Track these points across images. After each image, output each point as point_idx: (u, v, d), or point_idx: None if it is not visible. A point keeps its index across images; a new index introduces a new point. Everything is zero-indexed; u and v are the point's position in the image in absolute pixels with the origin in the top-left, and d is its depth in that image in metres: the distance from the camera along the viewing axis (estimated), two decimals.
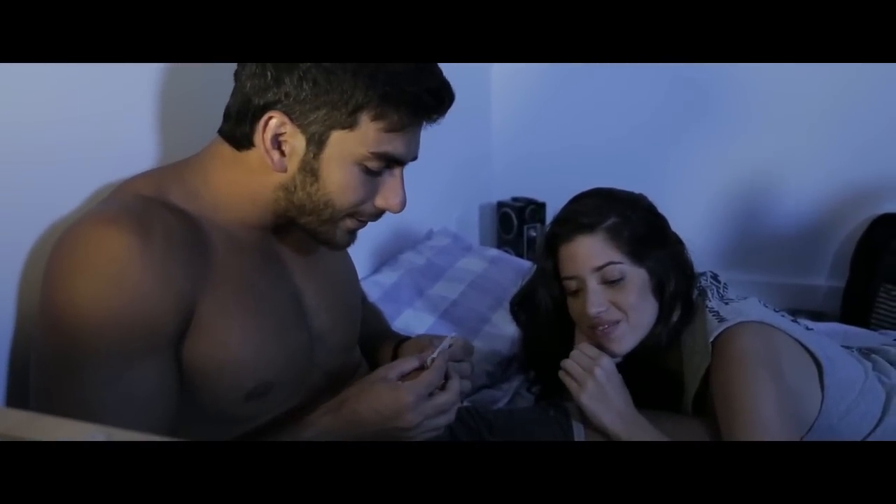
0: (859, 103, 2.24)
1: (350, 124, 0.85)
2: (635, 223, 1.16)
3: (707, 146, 2.43)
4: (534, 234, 2.48)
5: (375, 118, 0.85)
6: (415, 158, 0.93)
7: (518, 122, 2.63)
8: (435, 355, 0.93)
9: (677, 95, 2.43)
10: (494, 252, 2.11)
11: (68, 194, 0.96)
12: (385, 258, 1.90)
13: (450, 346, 0.97)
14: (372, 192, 0.91)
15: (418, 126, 0.90)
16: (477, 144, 2.60)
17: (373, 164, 0.88)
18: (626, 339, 1.15)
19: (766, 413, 1.02)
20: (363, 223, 0.95)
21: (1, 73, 0.85)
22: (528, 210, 2.49)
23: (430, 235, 2.11)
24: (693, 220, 2.27)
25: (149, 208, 0.85)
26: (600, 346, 1.16)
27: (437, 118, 0.91)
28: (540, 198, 2.52)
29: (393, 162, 0.90)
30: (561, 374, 1.13)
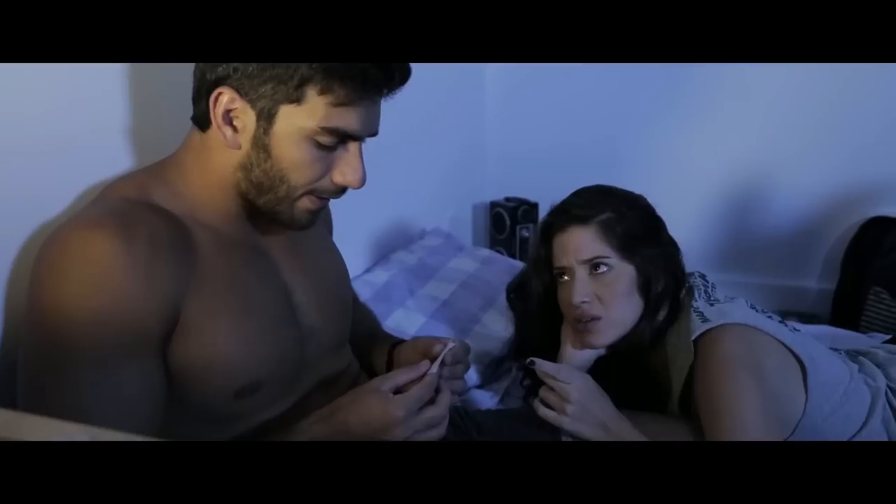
0: (852, 106, 2.25)
1: (297, 98, 0.84)
2: (630, 220, 1.17)
3: (699, 147, 2.44)
4: (526, 234, 2.49)
5: (322, 92, 0.84)
6: (373, 134, 0.92)
7: (511, 122, 2.63)
8: (434, 370, 0.94)
9: (670, 97, 2.44)
10: (486, 252, 2.11)
11: (55, 196, 0.96)
12: (377, 257, 1.90)
13: (450, 349, 0.98)
14: (327, 168, 0.90)
15: (370, 101, 0.89)
16: (470, 144, 2.61)
17: (324, 140, 0.87)
18: (607, 333, 1.17)
19: (748, 415, 1.02)
20: (324, 200, 0.94)
21: None
22: (521, 210, 2.50)
23: (422, 235, 2.12)
24: (685, 221, 2.27)
25: (133, 211, 0.85)
26: (581, 338, 1.18)
27: (390, 92, 0.90)
28: (532, 198, 2.52)
29: (346, 137, 0.89)
30: (537, 407, 1.11)
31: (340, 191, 0.93)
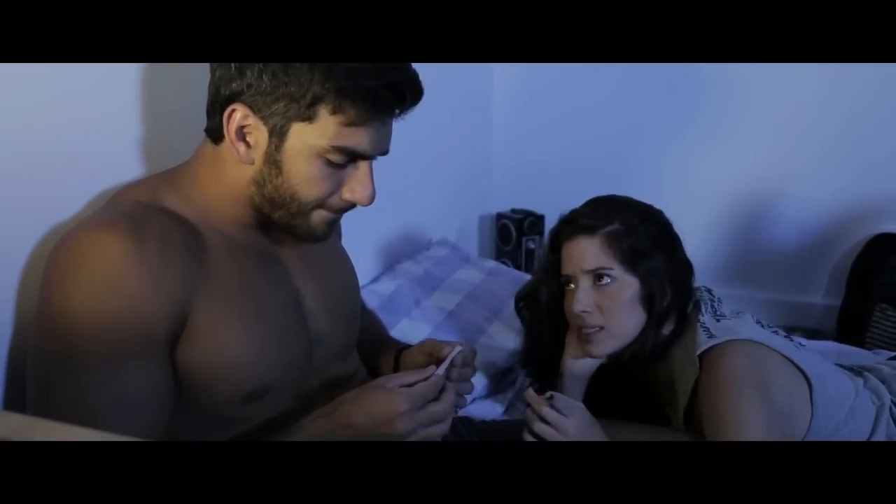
0: (860, 123, 2.25)
1: (309, 117, 0.85)
2: (639, 233, 1.18)
3: (706, 161, 2.44)
4: (532, 246, 2.49)
5: (333, 111, 0.85)
6: (384, 153, 0.93)
7: (518, 133, 2.64)
8: (441, 372, 0.94)
9: (678, 111, 2.44)
10: (492, 264, 2.11)
11: (68, 200, 0.97)
12: (383, 267, 1.90)
13: (458, 352, 1.00)
14: (338, 185, 0.91)
15: (381, 121, 0.89)
16: (477, 156, 2.62)
17: (335, 158, 0.88)
18: (606, 344, 1.18)
19: (752, 432, 1.02)
20: (337, 214, 0.95)
21: (2, 81, 0.86)
22: (527, 222, 2.50)
23: (428, 245, 2.12)
24: (691, 235, 2.28)
25: (145, 214, 0.86)
26: (582, 347, 1.20)
27: (402, 113, 0.91)
28: (539, 210, 2.53)
29: (356, 156, 0.90)
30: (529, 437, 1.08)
31: (350, 206, 0.95)
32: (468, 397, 1.45)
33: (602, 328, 1.17)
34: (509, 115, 2.63)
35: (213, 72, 0.89)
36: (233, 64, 0.85)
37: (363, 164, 0.91)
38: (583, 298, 1.17)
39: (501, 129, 2.66)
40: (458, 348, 1.01)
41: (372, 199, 0.93)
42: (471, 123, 2.53)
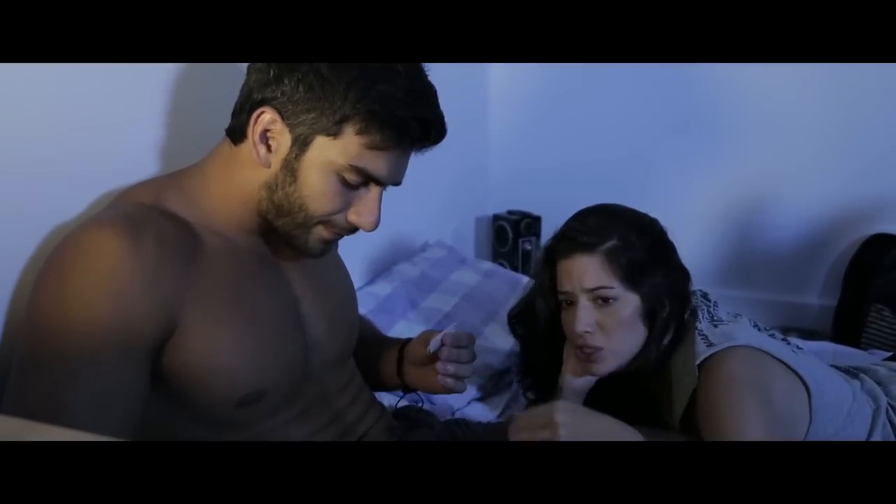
0: (855, 124, 2.26)
1: (335, 132, 0.87)
2: (637, 248, 1.15)
3: (703, 163, 2.44)
4: (529, 247, 2.49)
5: (359, 132, 0.87)
6: (397, 184, 0.95)
7: (515, 135, 2.64)
8: (432, 348, 0.97)
9: (674, 113, 2.45)
10: (488, 265, 2.11)
11: (70, 201, 0.97)
12: (380, 269, 1.90)
13: (450, 329, 1.02)
14: (346, 205, 0.92)
15: (402, 151, 0.92)
16: (474, 157, 2.62)
17: (350, 177, 0.90)
18: (608, 363, 1.16)
19: (752, 438, 1.01)
20: (338, 235, 0.96)
21: (7, 82, 0.86)
22: (524, 223, 2.50)
23: (425, 247, 2.12)
24: (687, 237, 2.28)
25: (144, 215, 0.87)
26: (583, 366, 1.18)
27: (424, 148, 0.93)
28: (535, 211, 2.53)
29: (371, 180, 0.91)
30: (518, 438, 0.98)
31: (353, 229, 0.96)
32: (465, 397, 1.47)
33: (602, 349, 1.14)
34: (506, 117, 2.64)
35: (249, 74, 0.91)
36: (272, 70, 0.87)
37: (374, 189, 0.93)
38: (584, 318, 1.14)
39: (498, 131, 2.66)
40: (451, 328, 1.03)
41: (375, 226, 0.95)
42: (468, 125, 2.53)
